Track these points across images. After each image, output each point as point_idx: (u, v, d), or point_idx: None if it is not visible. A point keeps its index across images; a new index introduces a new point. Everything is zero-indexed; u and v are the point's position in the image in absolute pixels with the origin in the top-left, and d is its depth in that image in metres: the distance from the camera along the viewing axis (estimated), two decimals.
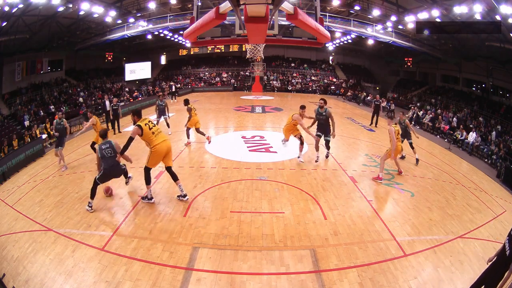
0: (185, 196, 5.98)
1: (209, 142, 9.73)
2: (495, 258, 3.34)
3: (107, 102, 12.00)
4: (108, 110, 12.02)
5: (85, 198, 6.13)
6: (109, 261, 4.21)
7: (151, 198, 5.92)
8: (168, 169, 5.86)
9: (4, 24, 12.67)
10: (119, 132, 11.94)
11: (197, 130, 9.63)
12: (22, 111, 14.03)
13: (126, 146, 5.53)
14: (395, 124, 7.68)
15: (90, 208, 5.60)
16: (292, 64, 29.64)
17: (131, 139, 5.51)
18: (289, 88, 26.96)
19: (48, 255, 4.38)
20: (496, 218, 5.94)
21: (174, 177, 5.88)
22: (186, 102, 9.64)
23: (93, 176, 7.35)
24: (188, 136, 9.77)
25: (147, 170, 5.78)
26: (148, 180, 5.83)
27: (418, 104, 18.68)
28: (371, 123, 13.94)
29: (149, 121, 5.68)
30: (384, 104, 15.82)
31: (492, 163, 10.18)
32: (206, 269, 4.08)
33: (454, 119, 14.62)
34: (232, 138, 10.82)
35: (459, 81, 19.80)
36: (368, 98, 22.08)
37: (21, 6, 12.21)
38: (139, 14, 18.78)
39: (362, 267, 4.17)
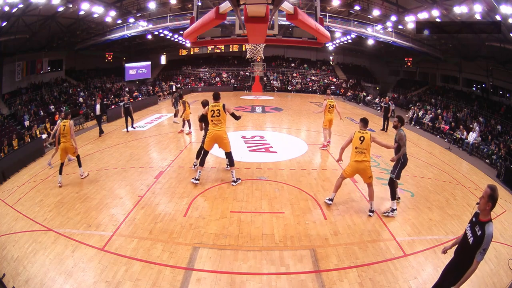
0: (236, 181, 6.64)
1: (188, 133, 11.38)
2: (455, 247, 3.22)
3: (98, 106, 11.82)
4: (98, 114, 11.82)
5: (85, 198, 6.15)
6: (109, 261, 4.21)
7: (197, 179, 6.62)
8: (226, 154, 6.62)
9: (4, 24, 12.65)
10: (133, 128, 12.38)
11: (188, 121, 11.42)
12: (22, 111, 14.03)
13: (201, 118, 6.67)
14: (331, 99, 9.60)
15: (193, 167, 7.45)
16: (292, 64, 29.64)
17: (203, 116, 6.58)
18: (289, 88, 26.96)
19: (48, 255, 4.38)
20: (496, 218, 5.93)
21: (230, 163, 6.69)
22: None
23: (92, 176, 7.39)
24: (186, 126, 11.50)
25: (200, 148, 6.90)
26: (201, 161, 6.68)
27: (418, 104, 18.67)
28: (383, 128, 13.21)
29: (217, 109, 6.27)
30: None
31: (492, 163, 10.18)
32: (206, 269, 4.08)
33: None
34: (232, 138, 10.78)
35: (459, 81, 19.80)
36: (368, 98, 22.11)
37: (21, 6, 12.19)
38: (139, 14, 18.77)
39: (362, 267, 4.16)
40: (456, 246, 3.20)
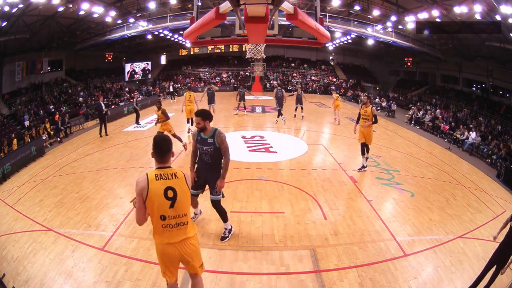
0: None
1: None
2: (504, 238, 3.78)
3: (102, 104, 11.84)
4: (105, 112, 11.84)
5: (85, 198, 6.14)
6: (109, 261, 4.20)
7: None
8: None
9: (4, 24, 12.66)
10: (138, 124, 13.33)
11: None
12: (22, 111, 14.02)
13: None
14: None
15: None
16: (292, 64, 29.63)
17: None
18: (289, 88, 26.95)
19: (48, 255, 4.38)
20: (496, 218, 5.94)
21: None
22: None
23: (93, 175, 7.38)
24: None
25: None
26: None
27: (418, 104, 18.68)
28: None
29: None
30: (384, 103, 15.62)
31: (492, 163, 10.18)
32: (206, 269, 4.05)
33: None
34: (232, 138, 10.82)
35: (459, 81, 19.80)
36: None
37: (21, 6, 12.20)
38: (139, 14, 18.78)
39: (362, 267, 4.16)
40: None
